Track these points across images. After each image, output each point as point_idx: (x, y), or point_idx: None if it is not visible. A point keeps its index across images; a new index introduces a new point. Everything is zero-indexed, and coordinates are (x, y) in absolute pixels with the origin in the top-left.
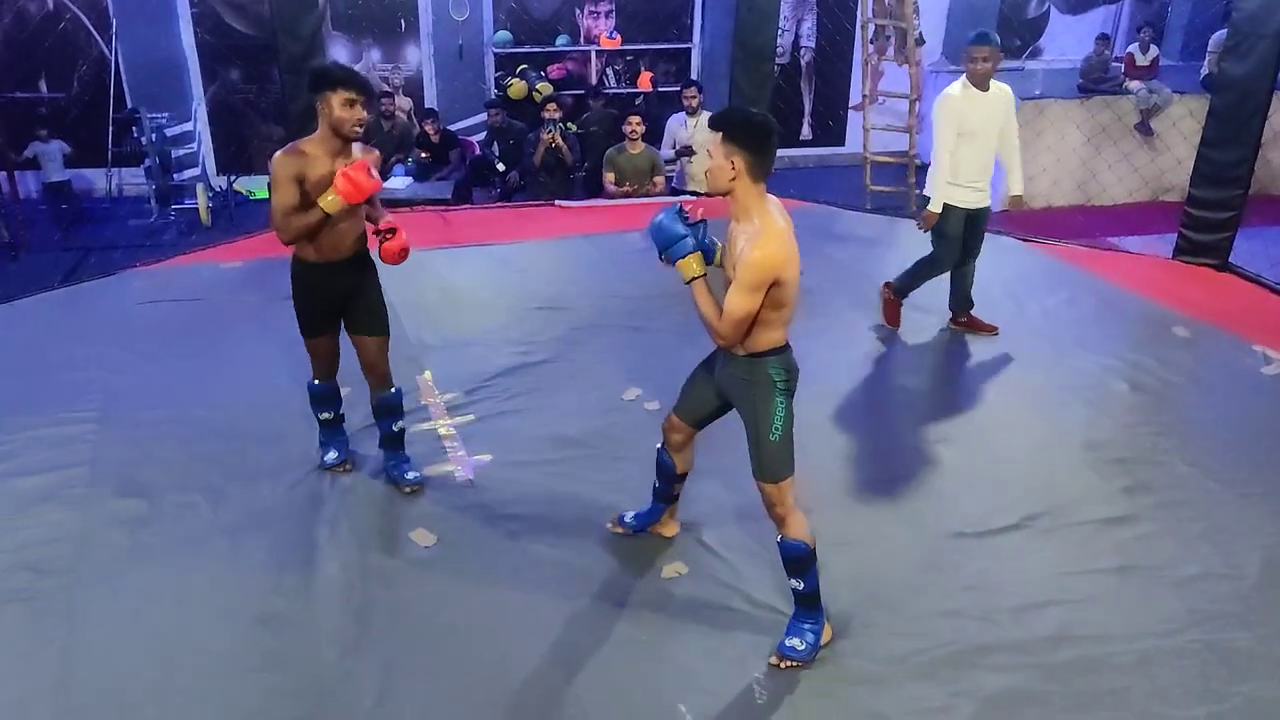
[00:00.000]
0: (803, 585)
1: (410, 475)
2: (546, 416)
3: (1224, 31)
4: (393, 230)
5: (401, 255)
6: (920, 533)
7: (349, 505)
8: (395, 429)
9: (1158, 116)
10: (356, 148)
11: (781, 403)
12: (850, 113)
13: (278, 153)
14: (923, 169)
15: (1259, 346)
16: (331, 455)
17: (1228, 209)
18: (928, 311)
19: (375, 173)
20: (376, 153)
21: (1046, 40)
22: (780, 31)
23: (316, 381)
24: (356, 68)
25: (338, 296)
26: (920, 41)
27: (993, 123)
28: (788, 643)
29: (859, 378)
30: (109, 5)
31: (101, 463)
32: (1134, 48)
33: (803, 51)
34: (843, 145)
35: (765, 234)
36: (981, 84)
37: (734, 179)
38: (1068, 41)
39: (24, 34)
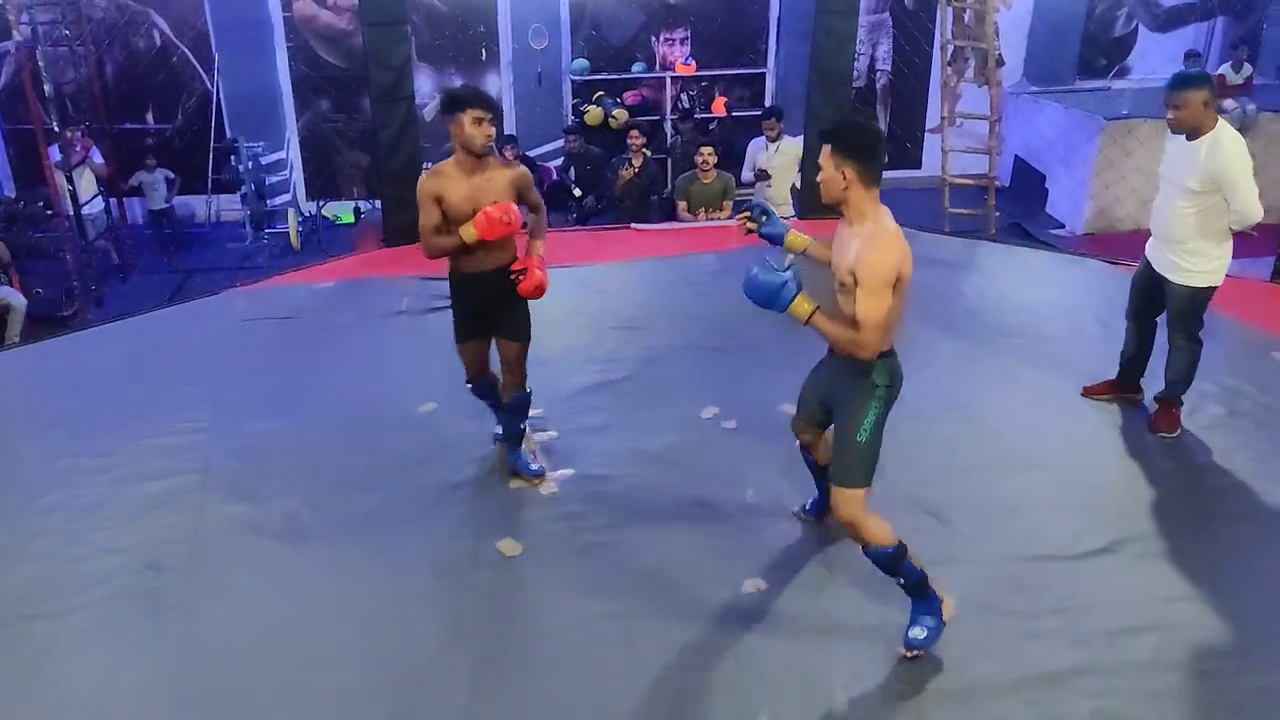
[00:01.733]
0: (904, 580)
1: (534, 467)
2: (627, 433)
3: None
4: (524, 270)
5: (537, 292)
6: (1006, 555)
7: (440, 515)
8: (519, 427)
9: (1249, 134)
10: (502, 169)
11: (876, 408)
12: (928, 135)
13: (421, 174)
14: (1001, 191)
15: None
16: (499, 429)
17: None
18: (1012, 334)
19: (515, 212)
20: (523, 169)
21: (1135, 59)
22: (856, 55)
23: (470, 385)
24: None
25: (486, 306)
26: (1000, 63)
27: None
28: (911, 633)
29: (940, 401)
30: (212, 41)
31: (213, 470)
32: (1226, 68)
33: (879, 75)
34: (919, 168)
35: (881, 234)
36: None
37: (846, 188)
38: (1157, 60)
39: (135, 69)
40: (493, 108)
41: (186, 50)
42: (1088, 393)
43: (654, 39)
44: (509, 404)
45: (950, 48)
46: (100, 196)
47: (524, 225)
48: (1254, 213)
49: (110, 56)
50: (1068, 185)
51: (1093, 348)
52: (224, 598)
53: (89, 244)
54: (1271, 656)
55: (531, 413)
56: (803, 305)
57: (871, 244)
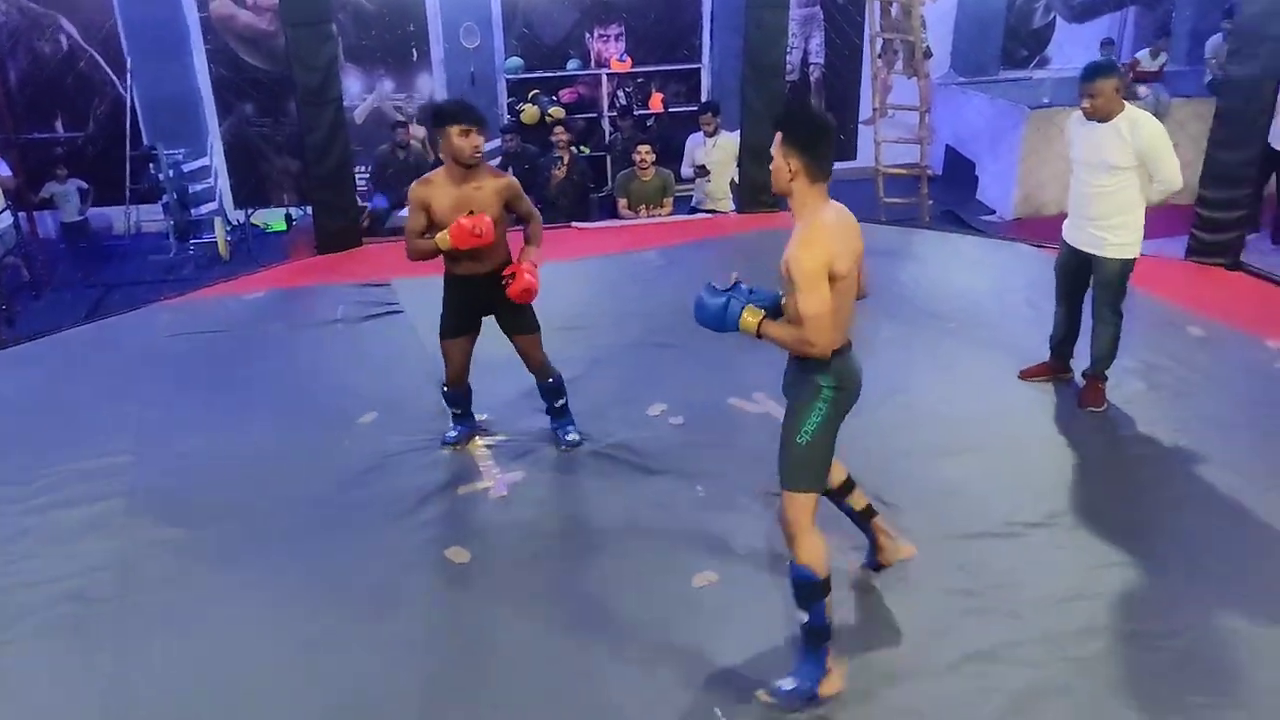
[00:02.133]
0: (808, 618)
1: (569, 436)
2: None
3: (1219, 36)
4: (513, 275)
5: (525, 295)
6: (946, 535)
7: (384, 525)
8: (558, 404)
9: (1163, 120)
10: (491, 178)
11: (820, 409)
12: (861, 127)
13: (414, 182)
14: (933, 180)
15: (1273, 343)
16: (452, 434)
17: (1237, 209)
18: (946, 319)
19: (487, 224)
20: (511, 179)
21: (1053, 49)
22: (789, 49)
23: (447, 389)
24: (368, 98)
25: (476, 306)
26: (928, 55)
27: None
28: (781, 681)
29: (879, 387)
30: (124, 45)
31: (140, 493)
32: (1143, 54)
33: (812, 68)
34: (854, 159)
35: (811, 229)
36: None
37: (791, 179)
38: (1074, 49)
39: (41, 75)
40: (478, 120)
41: (96, 54)
42: (1025, 375)
43: (588, 36)
44: (542, 391)
45: (879, 40)
46: (8, 210)
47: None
48: (1177, 181)
49: (13, 62)
50: (996, 172)
51: (1023, 329)
52: (156, 627)
53: None
54: (1193, 618)
55: (478, 417)
56: (748, 319)
57: (799, 240)
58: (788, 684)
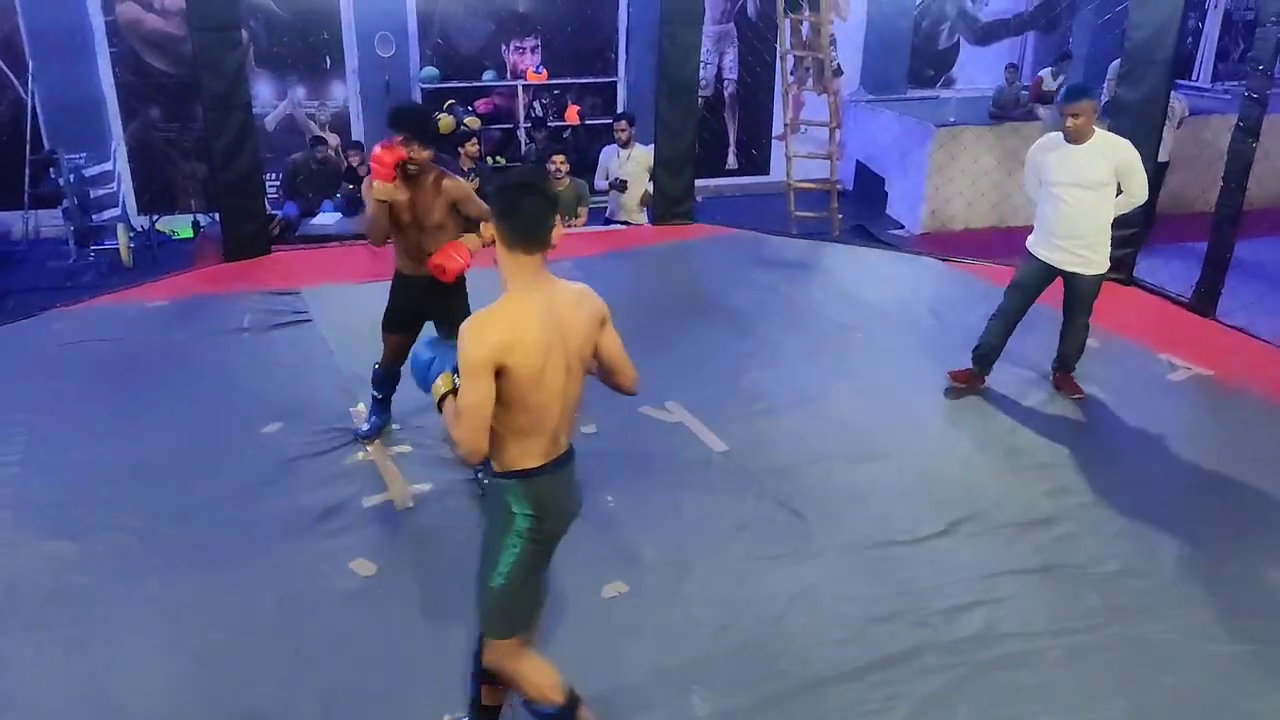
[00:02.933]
0: None
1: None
2: None
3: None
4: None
5: (438, 270)
6: (854, 543)
7: (288, 536)
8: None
9: None
10: (443, 183)
11: (514, 545)
12: (774, 142)
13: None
14: (844, 195)
15: (1164, 355)
16: (365, 428)
17: (1131, 226)
18: (854, 329)
19: (463, 256)
20: (459, 182)
21: (958, 70)
22: (703, 64)
23: (378, 367)
24: (280, 105)
25: (417, 304)
26: (838, 72)
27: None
28: None
29: (788, 395)
30: (25, 46)
31: (27, 506)
32: (1045, 73)
33: (725, 83)
34: (768, 174)
35: (488, 308)
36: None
37: (495, 245)
38: (976, 70)
39: None
40: (409, 128)
41: None
42: (954, 376)
43: (504, 47)
44: None
45: (791, 58)
46: None
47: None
48: (1145, 194)
49: None
50: (904, 188)
51: (928, 338)
52: (41, 644)
53: None
54: (1086, 618)
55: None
56: (438, 385)
57: (471, 319)
58: None
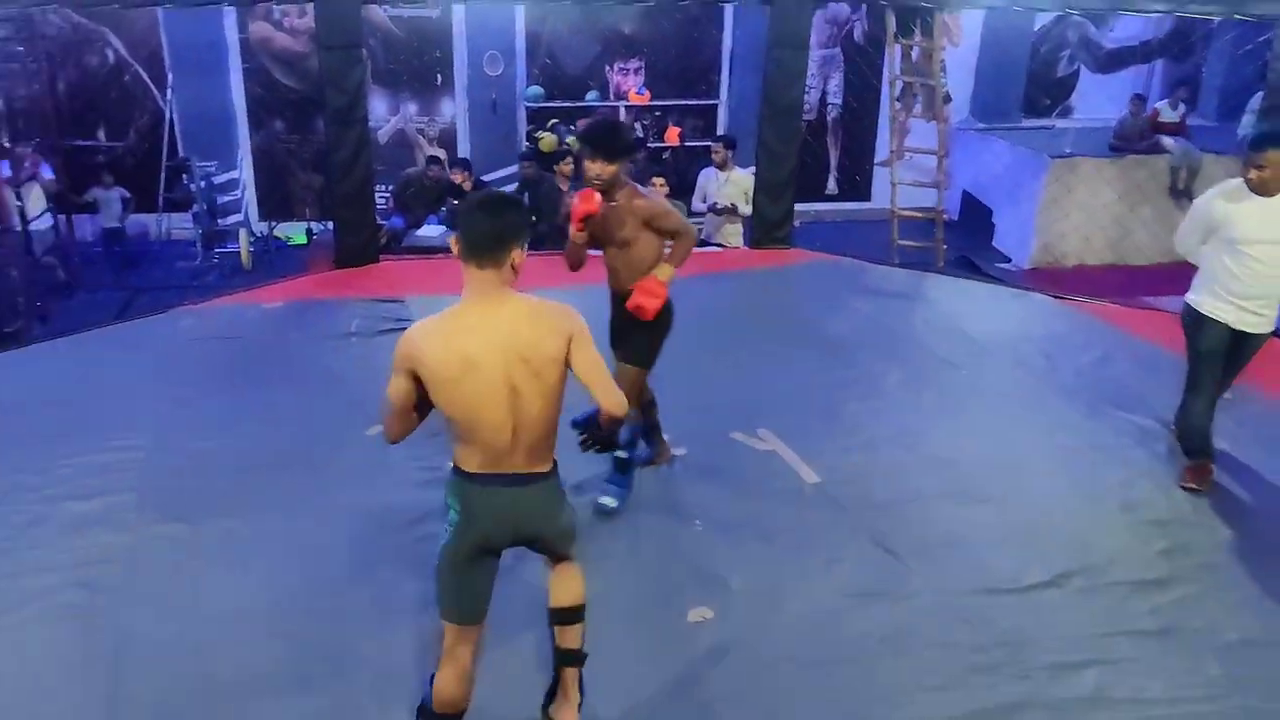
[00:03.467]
0: None
1: (601, 499)
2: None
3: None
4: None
5: (638, 310)
6: (951, 588)
7: (382, 537)
8: (616, 455)
9: (1194, 181)
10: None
11: (445, 533)
12: (876, 168)
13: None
14: (949, 225)
15: None
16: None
17: None
18: (957, 365)
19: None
20: (651, 201)
21: (1077, 98)
22: (807, 89)
23: None
24: (392, 120)
25: (614, 320)
26: (948, 99)
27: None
28: None
29: (887, 430)
30: (166, 60)
31: (150, 488)
32: (1163, 104)
33: (829, 108)
34: (869, 200)
35: (421, 320)
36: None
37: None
38: (1098, 100)
39: (88, 87)
40: (593, 144)
41: (140, 69)
42: (1191, 478)
43: (609, 68)
44: None
45: (899, 83)
46: (49, 213)
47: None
48: None
49: (63, 74)
50: (1014, 220)
51: (1036, 380)
52: (157, 619)
53: (36, 260)
54: (1204, 688)
55: None
56: None
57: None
58: None
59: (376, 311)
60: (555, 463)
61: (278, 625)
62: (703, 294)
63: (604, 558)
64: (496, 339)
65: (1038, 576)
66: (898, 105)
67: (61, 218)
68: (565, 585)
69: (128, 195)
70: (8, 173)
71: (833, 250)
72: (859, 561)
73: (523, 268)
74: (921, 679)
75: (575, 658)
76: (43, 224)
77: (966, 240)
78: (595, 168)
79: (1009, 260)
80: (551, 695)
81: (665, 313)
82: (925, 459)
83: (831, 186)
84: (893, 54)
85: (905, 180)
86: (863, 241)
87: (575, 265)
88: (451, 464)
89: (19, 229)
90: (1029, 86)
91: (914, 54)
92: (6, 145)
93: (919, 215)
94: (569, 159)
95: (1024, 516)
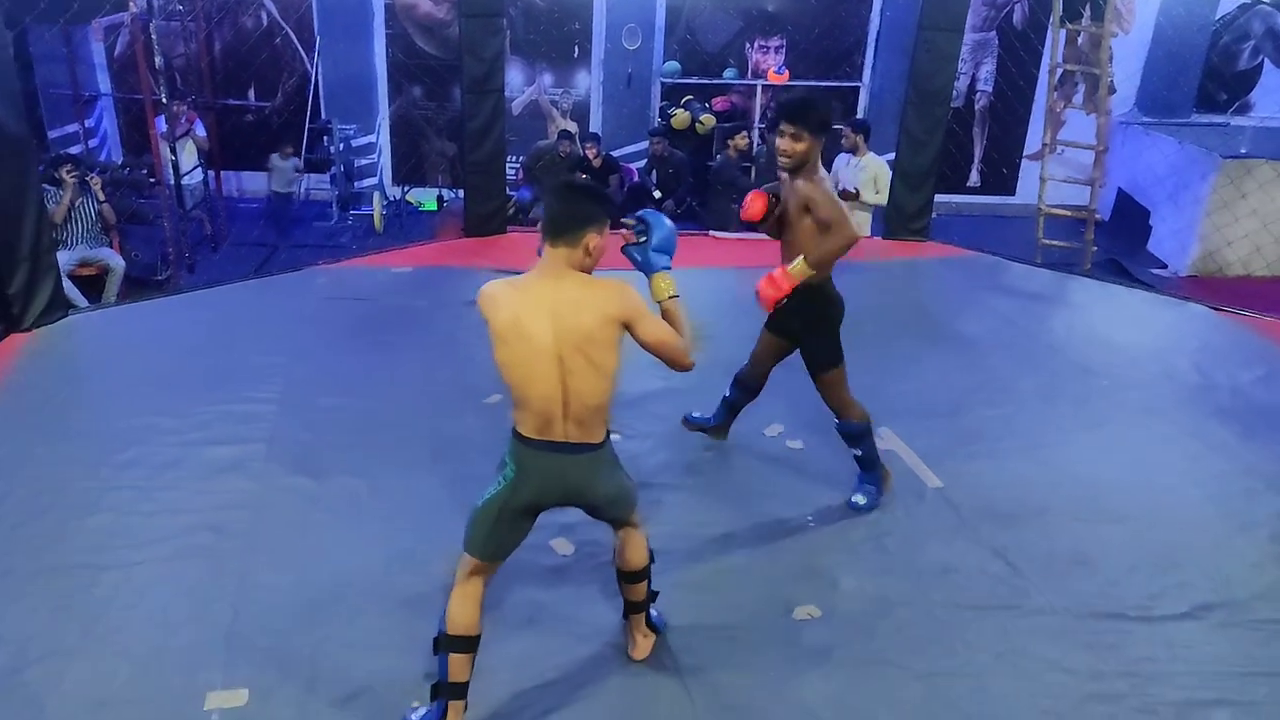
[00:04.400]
0: (438, 664)
1: (852, 498)
2: (683, 444)
3: None
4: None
5: (757, 297)
6: (1075, 609)
7: None
8: (854, 454)
9: None
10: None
11: (497, 485)
12: (1025, 162)
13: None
14: (1100, 225)
15: None
16: (696, 414)
17: None
18: (1099, 375)
19: (780, 283)
20: (815, 188)
21: (1258, 95)
22: (958, 75)
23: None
24: (527, 91)
25: (779, 319)
26: (1112, 90)
27: None
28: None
29: (1016, 438)
30: (315, 24)
31: (279, 440)
32: None
33: (979, 95)
34: (1013, 195)
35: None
36: None
37: None
38: None
39: (241, 47)
40: (788, 118)
41: (290, 31)
42: None
43: (748, 46)
44: (839, 432)
45: (1060, 71)
46: (200, 168)
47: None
48: None
49: (219, 33)
50: (1174, 224)
51: (1187, 396)
52: (279, 567)
53: (186, 213)
54: None
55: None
56: (663, 286)
57: None
58: (415, 715)
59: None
60: (608, 434)
61: (390, 584)
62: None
63: (709, 550)
64: (547, 314)
65: (1173, 607)
66: (1055, 95)
67: (210, 173)
68: (630, 551)
69: (302, 167)
70: (164, 128)
71: (971, 246)
72: (977, 573)
73: (600, 252)
74: (1036, 701)
75: (641, 607)
76: (193, 179)
77: (1118, 242)
78: (784, 143)
79: (1164, 266)
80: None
81: (824, 309)
82: (1056, 472)
83: (974, 179)
84: (1056, 39)
85: (1056, 176)
86: (1004, 239)
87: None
88: (512, 426)
89: (172, 183)
90: (1204, 80)
91: (1080, 39)
92: (164, 101)
93: (1068, 213)
94: (744, 133)
95: (1162, 541)
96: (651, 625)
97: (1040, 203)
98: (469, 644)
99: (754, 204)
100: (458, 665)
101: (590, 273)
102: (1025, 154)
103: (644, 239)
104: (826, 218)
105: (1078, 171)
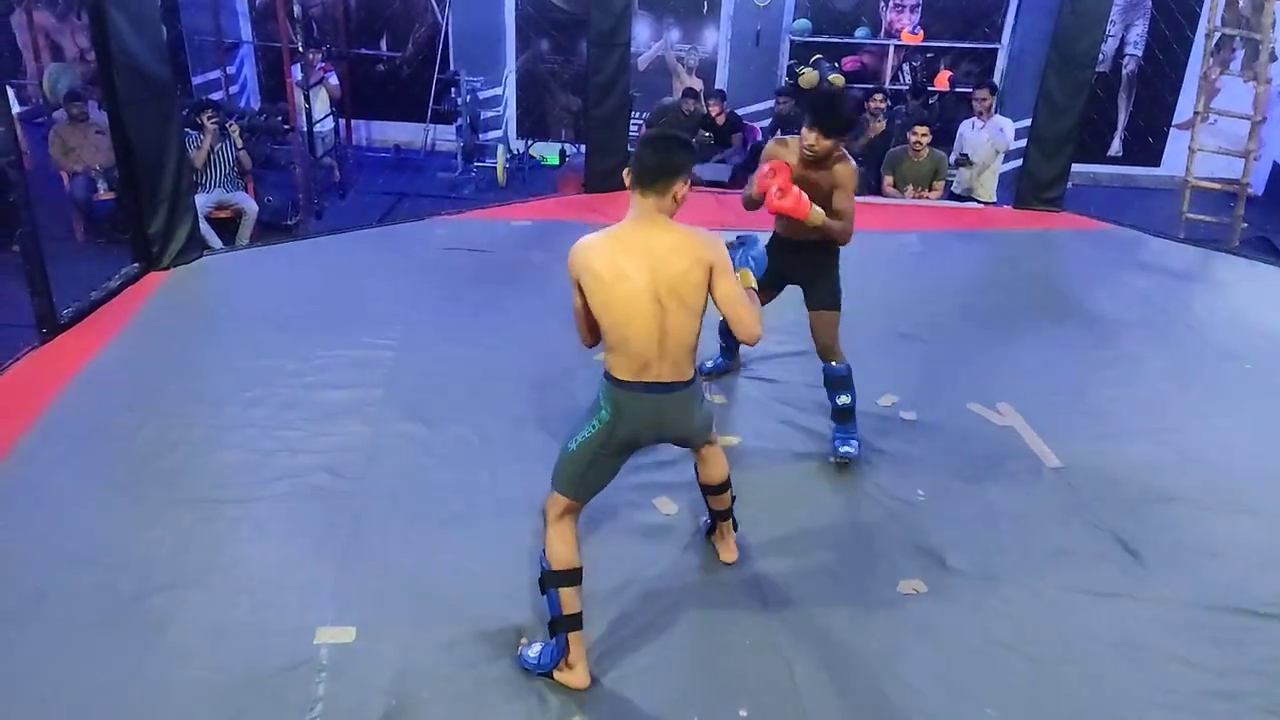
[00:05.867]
0: (547, 603)
1: (842, 449)
2: (795, 409)
3: None
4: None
5: (772, 200)
6: (1200, 602)
7: None
8: (838, 402)
9: None
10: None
11: (592, 427)
12: (1173, 131)
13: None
14: (1252, 201)
15: None
16: (709, 363)
17: None
18: (1241, 359)
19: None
20: (847, 172)
21: None
22: (1105, 37)
23: None
24: (654, 46)
25: (786, 268)
26: (1274, 57)
27: None
28: (526, 645)
29: (1145, 421)
30: None
31: (395, 386)
32: None
33: (1126, 60)
34: (1158, 166)
35: (585, 236)
36: None
37: None
38: None
39: None
40: (813, 115)
41: None
42: None
43: (883, 3)
44: (826, 379)
45: (1217, 35)
46: (331, 116)
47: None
48: None
49: None
50: None
51: None
52: (390, 511)
53: (317, 160)
54: None
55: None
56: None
57: None
58: (531, 650)
59: None
60: (697, 371)
61: (493, 535)
62: (954, 251)
63: (815, 515)
64: (646, 258)
65: None
66: (1211, 60)
67: (341, 121)
68: (711, 467)
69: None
70: (299, 76)
71: (1108, 218)
72: (1095, 557)
73: (685, 199)
74: (1153, 695)
75: (727, 514)
76: (325, 127)
77: (1271, 219)
78: (810, 137)
79: None
80: (710, 531)
81: (834, 258)
82: (1185, 458)
83: (1116, 148)
84: (1215, 2)
85: (1207, 146)
86: (1145, 212)
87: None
88: (604, 371)
89: (305, 130)
90: None
91: (1241, 2)
92: (300, 50)
93: (1217, 187)
94: (882, 94)
95: None
96: (734, 524)
97: (1188, 175)
98: (574, 576)
99: (773, 179)
100: (569, 598)
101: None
102: (1174, 123)
103: (741, 247)
104: (840, 207)
105: (1231, 143)
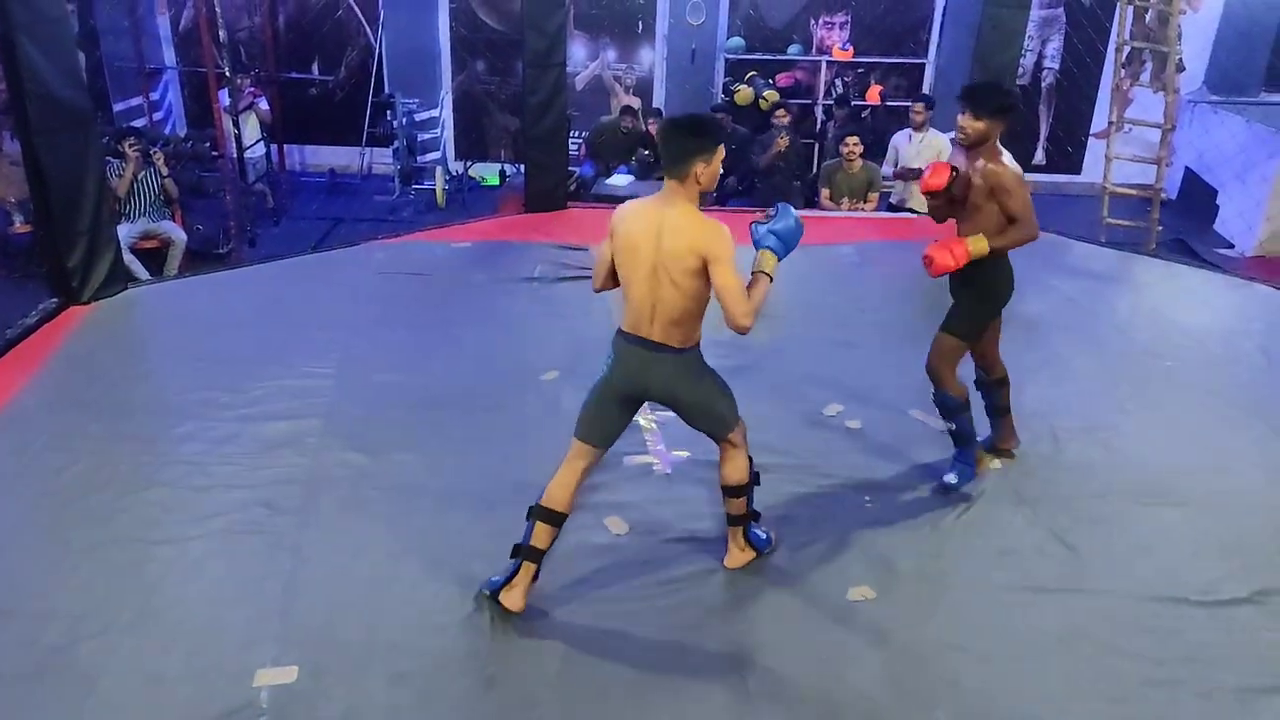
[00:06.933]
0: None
1: (944, 476)
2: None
3: None
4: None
5: (926, 261)
6: (1134, 593)
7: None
8: (941, 428)
9: None
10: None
11: (601, 371)
12: (1091, 140)
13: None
14: (1166, 204)
15: None
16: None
17: None
18: (1161, 356)
19: (952, 254)
20: (995, 167)
21: None
22: (1024, 52)
23: None
24: (590, 66)
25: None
26: (1180, 68)
27: None
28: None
29: (1076, 419)
30: None
31: (335, 416)
32: None
33: (1044, 73)
34: (1079, 174)
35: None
36: None
37: None
38: None
39: (304, 20)
40: (966, 97)
41: (354, 4)
42: None
43: (813, 21)
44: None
45: (1127, 49)
46: (262, 142)
47: None
48: None
49: (283, 6)
50: (1242, 203)
51: (1252, 377)
52: (331, 545)
53: (248, 187)
54: None
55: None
56: (762, 260)
57: None
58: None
59: (560, 258)
60: (694, 344)
61: (442, 564)
62: (889, 261)
63: (766, 521)
64: (654, 233)
65: (1234, 591)
66: (1123, 73)
67: (273, 147)
68: (728, 467)
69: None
70: (227, 101)
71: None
72: (1035, 555)
73: (711, 176)
74: (1095, 685)
75: (739, 521)
76: (256, 152)
77: (1185, 222)
78: (963, 119)
79: (1231, 246)
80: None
81: (993, 285)
82: (1116, 454)
83: (1039, 157)
84: (1124, 16)
85: (1122, 154)
86: (1068, 218)
87: (939, 219)
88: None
89: (235, 156)
90: (1273, 58)
91: (1148, 17)
92: (227, 74)
93: (1134, 192)
94: (782, 109)
95: (1224, 526)
96: (750, 541)
97: (1106, 181)
98: (557, 518)
99: (938, 174)
100: (541, 533)
101: (709, 191)
102: (1091, 132)
103: (770, 220)
104: (1016, 211)
105: (1144, 150)
